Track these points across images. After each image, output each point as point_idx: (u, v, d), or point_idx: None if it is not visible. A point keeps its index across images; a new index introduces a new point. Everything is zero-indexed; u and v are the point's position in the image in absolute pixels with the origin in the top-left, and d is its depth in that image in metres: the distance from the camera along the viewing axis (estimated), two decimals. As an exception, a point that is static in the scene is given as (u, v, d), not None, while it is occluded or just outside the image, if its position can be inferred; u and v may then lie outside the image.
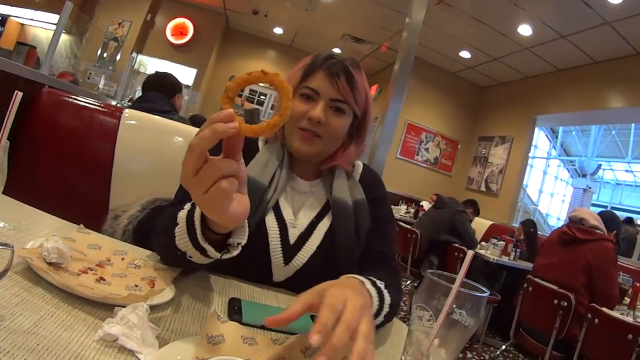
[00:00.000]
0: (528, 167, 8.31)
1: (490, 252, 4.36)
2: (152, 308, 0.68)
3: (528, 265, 3.94)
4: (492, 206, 7.57)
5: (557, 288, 2.97)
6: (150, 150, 1.59)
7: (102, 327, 0.57)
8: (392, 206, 1.23)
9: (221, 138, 0.61)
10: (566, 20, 5.68)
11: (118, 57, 7.93)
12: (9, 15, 7.00)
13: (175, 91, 2.85)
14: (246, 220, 0.75)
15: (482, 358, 3.83)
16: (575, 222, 3.23)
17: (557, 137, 11.76)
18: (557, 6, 5.43)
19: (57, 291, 0.65)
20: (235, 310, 0.80)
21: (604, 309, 2.61)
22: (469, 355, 3.80)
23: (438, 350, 0.59)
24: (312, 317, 0.59)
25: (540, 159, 11.66)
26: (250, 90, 9.90)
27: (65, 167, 1.56)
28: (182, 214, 0.78)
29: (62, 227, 0.96)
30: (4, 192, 0.95)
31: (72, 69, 7.25)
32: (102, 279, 0.74)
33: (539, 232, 4.91)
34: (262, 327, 0.75)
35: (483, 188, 8.31)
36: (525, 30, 6.29)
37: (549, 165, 12.36)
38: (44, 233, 0.88)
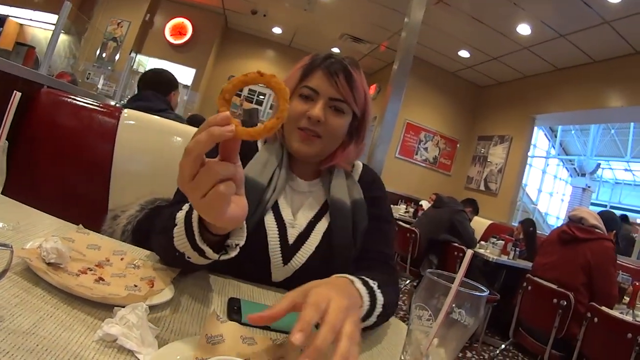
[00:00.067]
0: (527, 167, 8.31)
1: (490, 251, 4.36)
2: (152, 308, 0.68)
3: (527, 265, 3.94)
4: (491, 205, 7.57)
5: (557, 287, 2.97)
6: (149, 150, 1.59)
7: (102, 327, 0.57)
8: (392, 206, 1.23)
9: (218, 142, 0.60)
10: (565, 20, 5.68)
11: (117, 57, 7.92)
12: (8, 16, 6.98)
13: (171, 88, 2.81)
14: (244, 222, 0.75)
15: (481, 357, 3.84)
16: (574, 221, 3.24)
17: (556, 137, 11.77)
18: (556, 5, 5.43)
19: (56, 291, 0.64)
20: (234, 310, 0.80)
21: (603, 308, 2.61)
22: (469, 354, 3.80)
23: (437, 349, 0.59)
24: None
25: (540, 158, 11.67)
26: (250, 89, 9.90)
27: (64, 167, 1.56)
28: (180, 215, 0.78)
29: (61, 227, 0.96)
30: (3, 193, 0.95)
31: (70, 69, 7.24)
32: (101, 279, 0.74)
33: (538, 231, 4.91)
34: (262, 327, 0.75)
35: (482, 187, 8.32)
36: (524, 29, 6.29)
37: (548, 165, 12.37)
38: (43, 233, 0.87)
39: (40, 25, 7.26)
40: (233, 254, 0.76)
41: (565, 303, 2.85)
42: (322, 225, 1.10)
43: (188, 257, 0.77)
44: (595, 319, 2.60)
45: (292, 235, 1.06)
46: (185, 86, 9.04)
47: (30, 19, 7.29)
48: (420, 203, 7.66)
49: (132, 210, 1.32)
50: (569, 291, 2.88)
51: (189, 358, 0.57)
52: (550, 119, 8.15)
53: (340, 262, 1.06)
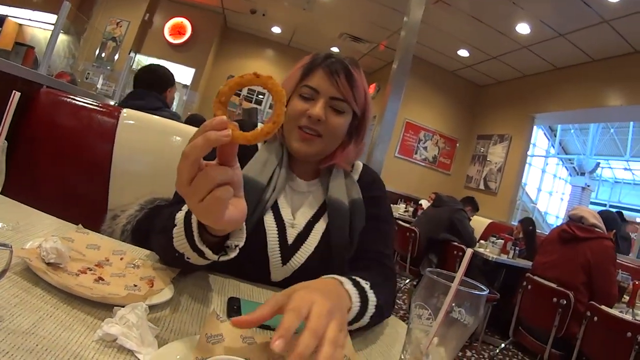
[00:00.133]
0: (527, 166, 8.32)
1: (489, 250, 4.37)
2: (151, 308, 0.68)
3: (527, 264, 3.94)
4: (491, 204, 7.57)
5: (557, 286, 2.97)
6: (149, 150, 1.59)
7: (101, 327, 0.57)
8: (391, 205, 1.22)
9: (214, 146, 0.60)
10: (564, 19, 5.69)
11: (116, 57, 7.91)
12: (7, 16, 6.98)
13: (166, 86, 2.76)
14: (244, 222, 0.75)
15: (481, 356, 3.84)
16: (574, 220, 3.24)
17: (555, 136, 11.77)
18: (556, 5, 5.43)
19: (56, 291, 0.64)
20: (234, 309, 0.80)
21: (603, 307, 2.61)
22: (469, 353, 3.81)
23: (437, 348, 0.59)
24: None
25: (539, 157, 11.67)
26: (249, 89, 9.90)
27: (63, 167, 1.56)
28: (179, 216, 0.78)
29: (60, 227, 0.96)
30: (2, 193, 0.94)
31: (70, 69, 7.23)
32: (101, 279, 0.74)
33: (537, 231, 4.91)
34: (261, 327, 0.75)
35: (482, 186, 8.32)
36: (523, 28, 6.29)
37: (547, 164, 12.38)
38: (42, 233, 0.87)
39: (39, 25, 7.26)
40: (232, 254, 0.76)
41: (565, 302, 2.85)
42: (321, 226, 1.10)
43: (187, 258, 0.77)
44: (595, 318, 2.60)
45: (291, 235, 1.06)
46: (185, 86, 9.05)
47: (30, 19, 7.28)
48: (419, 202, 7.67)
49: (131, 210, 1.32)
50: (568, 290, 2.89)
51: (189, 357, 0.57)
52: (550, 118, 8.15)
53: (338, 262, 1.06)
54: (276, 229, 1.05)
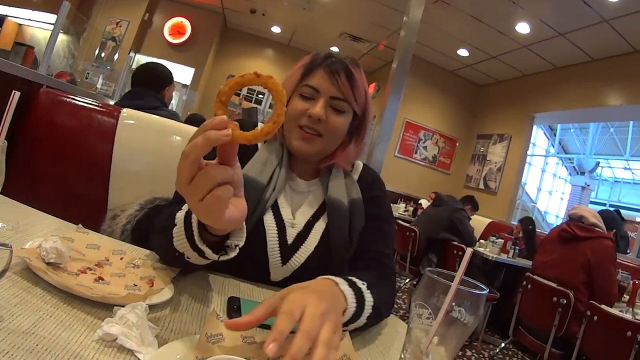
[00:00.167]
0: (526, 165, 8.32)
1: (489, 249, 4.37)
2: (151, 307, 0.68)
3: (527, 263, 3.94)
4: (490, 204, 7.57)
5: (557, 285, 2.97)
6: (149, 150, 1.59)
7: (101, 326, 0.57)
8: (391, 204, 1.22)
9: (214, 145, 0.60)
10: (564, 18, 5.69)
11: (116, 56, 7.91)
12: (7, 16, 6.97)
13: (164, 84, 2.71)
14: (244, 222, 0.75)
15: (481, 356, 3.84)
16: (575, 220, 3.24)
17: (555, 135, 11.76)
18: (555, 4, 5.43)
19: (56, 291, 0.64)
20: (234, 309, 0.80)
21: (603, 306, 2.61)
22: (469, 353, 3.81)
23: (437, 348, 0.59)
24: None
25: (539, 157, 11.67)
26: (248, 89, 9.90)
27: (63, 167, 1.56)
28: (179, 215, 0.78)
29: (60, 227, 0.96)
30: (2, 193, 0.94)
31: (69, 69, 7.23)
32: (101, 278, 0.74)
33: (537, 230, 4.91)
34: (261, 326, 0.75)
35: (482, 186, 8.32)
36: (523, 28, 6.29)
37: (547, 163, 12.37)
38: (42, 233, 0.87)
39: (39, 25, 7.25)
40: (232, 254, 0.76)
41: (565, 301, 2.85)
42: (320, 225, 1.09)
43: (187, 257, 0.77)
44: (595, 317, 2.60)
45: (291, 235, 1.06)
46: (185, 85, 9.05)
47: (29, 19, 7.28)
48: (419, 202, 7.67)
49: (131, 210, 1.32)
50: (568, 289, 2.89)
51: (189, 357, 0.57)
52: (550, 117, 8.15)
53: (338, 262, 1.06)
54: (276, 229, 1.05)
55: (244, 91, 9.84)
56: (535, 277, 3.20)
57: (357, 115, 1.11)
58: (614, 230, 3.39)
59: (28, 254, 0.68)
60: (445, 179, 9.17)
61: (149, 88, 2.60)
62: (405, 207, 7.79)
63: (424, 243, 4.52)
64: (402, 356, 0.63)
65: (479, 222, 5.56)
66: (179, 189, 0.62)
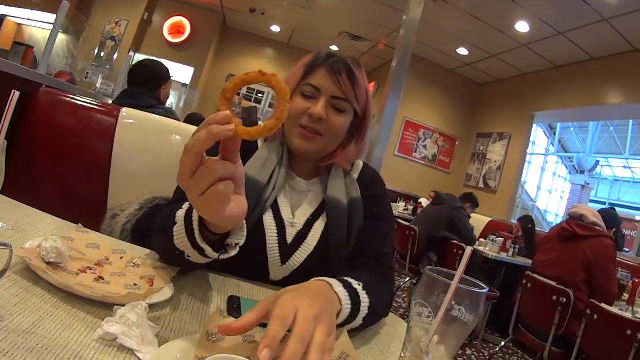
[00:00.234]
0: (526, 164, 8.32)
1: (489, 248, 4.37)
2: (151, 307, 0.68)
3: (527, 262, 3.94)
4: (490, 203, 7.57)
5: (556, 284, 2.97)
6: (148, 150, 1.59)
7: (102, 326, 0.57)
8: (391, 203, 1.22)
9: (217, 140, 0.60)
10: (563, 17, 5.69)
11: (115, 56, 7.91)
12: (6, 15, 6.98)
13: (161, 82, 2.68)
14: (244, 221, 0.75)
15: (481, 354, 3.84)
16: (575, 219, 3.24)
17: (555, 134, 11.77)
18: (555, 3, 5.43)
19: (56, 291, 0.64)
20: (234, 308, 0.80)
21: (603, 304, 2.61)
22: (469, 351, 3.81)
23: (437, 346, 0.59)
24: None
25: (539, 156, 11.67)
26: (248, 88, 9.89)
27: (63, 167, 1.56)
28: (180, 214, 0.78)
29: (60, 226, 0.96)
30: (2, 192, 0.95)
31: (69, 69, 7.23)
32: (101, 278, 0.74)
33: (537, 229, 4.91)
34: (262, 325, 0.75)
35: (481, 185, 8.32)
36: (522, 27, 6.29)
37: (547, 162, 12.37)
38: (42, 233, 0.87)
39: (38, 25, 7.26)
40: (233, 253, 0.76)
41: (565, 300, 2.85)
42: (320, 224, 1.09)
43: (188, 256, 0.77)
44: (595, 316, 2.60)
45: (290, 234, 1.06)
46: (184, 85, 9.04)
47: (29, 19, 7.29)
48: (419, 201, 7.67)
49: (131, 209, 1.32)
50: (568, 288, 2.89)
51: (189, 356, 0.57)
52: (549, 116, 8.15)
53: (337, 261, 1.06)
54: (275, 228, 1.05)
55: (244, 90, 9.83)
56: (535, 275, 3.19)
57: (358, 115, 1.11)
58: (614, 229, 3.39)
59: (28, 253, 0.68)
60: (445, 177, 9.17)
61: (146, 86, 2.58)
62: (405, 206, 7.79)
63: (424, 242, 4.52)
64: (402, 355, 0.63)
65: (478, 221, 5.56)
66: (180, 182, 0.62)
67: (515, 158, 7.78)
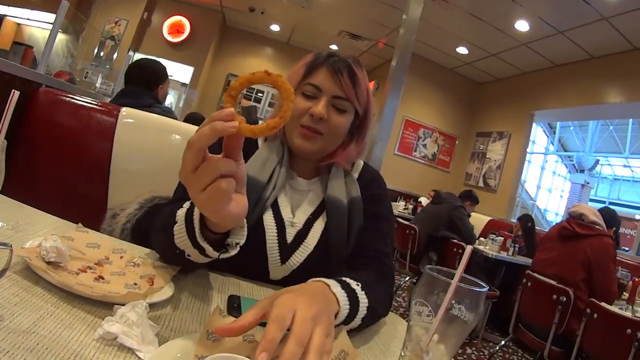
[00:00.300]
0: (526, 163, 8.32)
1: (489, 247, 4.37)
2: (152, 306, 0.68)
3: (527, 261, 3.94)
4: (490, 202, 7.57)
5: (556, 283, 2.97)
6: (148, 149, 1.59)
7: (102, 325, 0.57)
8: (391, 202, 1.22)
9: (220, 136, 0.60)
10: (563, 16, 5.68)
11: (115, 55, 7.91)
12: (6, 15, 6.97)
13: (159, 82, 2.66)
14: (245, 220, 0.75)
15: (481, 353, 3.85)
16: (575, 218, 3.24)
17: (554, 133, 11.77)
18: (554, 2, 5.42)
19: (56, 290, 0.64)
20: (234, 307, 0.80)
21: (602, 303, 2.62)
22: (469, 350, 3.81)
23: (437, 345, 0.59)
24: None
25: (538, 155, 11.67)
26: (248, 87, 9.87)
27: (63, 167, 1.56)
28: (181, 213, 0.78)
29: (60, 226, 0.96)
30: (2, 192, 0.94)
31: (69, 68, 7.23)
32: (101, 277, 0.74)
33: (537, 228, 4.91)
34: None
35: (481, 184, 8.32)
36: (522, 26, 6.29)
37: (546, 161, 12.37)
38: (42, 232, 0.87)
39: (37, 25, 7.25)
40: (233, 252, 0.76)
41: (565, 299, 2.85)
42: (320, 224, 1.09)
43: (188, 255, 0.77)
44: (595, 315, 2.60)
45: (290, 234, 1.06)
46: (184, 84, 9.04)
47: (28, 19, 7.28)
48: (419, 200, 7.67)
49: (131, 209, 1.32)
50: (568, 287, 2.89)
51: (189, 355, 0.57)
52: (549, 115, 8.15)
53: (336, 261, 1.06)
54: (275, 228, 1.05)
55: (244, 89, 9.82)
56: (535, 274, 3.20)
57: (358, 115, 1.11)
58: (614, 228, 3.39)
59: (28, 253, 0.68)
60: (445, 176, 9.17)
61: (143, 86, 2.57)
62: (405, 205, 7.79)
63: (424, 241, 4.52)
64: (402, 354, 0.63)
65: (478, 220, 5.56)
66: (182, 177, 0.62)
67: (515, 157, 7.78)
